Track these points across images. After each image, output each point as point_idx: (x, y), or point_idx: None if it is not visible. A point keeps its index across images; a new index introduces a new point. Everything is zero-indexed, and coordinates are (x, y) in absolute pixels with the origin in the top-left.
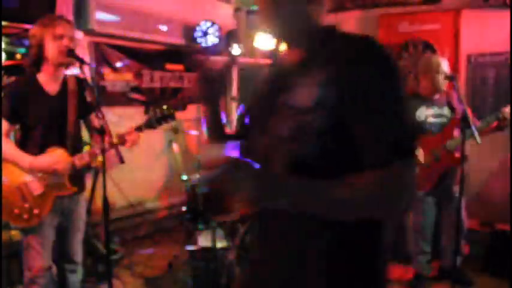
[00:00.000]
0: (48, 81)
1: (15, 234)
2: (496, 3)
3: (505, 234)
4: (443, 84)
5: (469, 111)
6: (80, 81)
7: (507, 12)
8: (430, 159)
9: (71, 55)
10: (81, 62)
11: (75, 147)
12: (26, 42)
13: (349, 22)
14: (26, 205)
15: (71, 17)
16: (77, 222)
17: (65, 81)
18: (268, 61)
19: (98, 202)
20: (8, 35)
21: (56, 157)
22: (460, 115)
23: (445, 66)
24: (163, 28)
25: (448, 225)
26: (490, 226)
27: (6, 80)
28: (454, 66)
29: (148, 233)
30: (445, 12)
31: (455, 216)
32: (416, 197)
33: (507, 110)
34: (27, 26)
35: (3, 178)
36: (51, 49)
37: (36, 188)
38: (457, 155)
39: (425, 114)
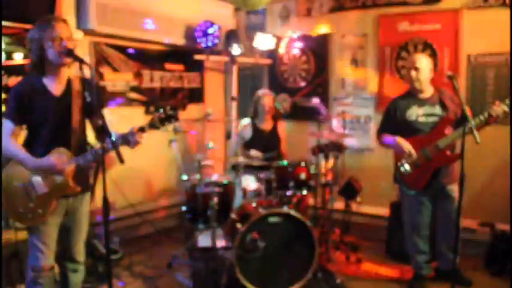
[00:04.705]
0: (52, 82)
1: (15, 234)
2: (496, 3)
3: (505, 234)
4: (422, 81)
5: (468, 111)
6: (85, 82)
7: (507, 12)
8: (422, 158)
9: (70, 55)
10: (81, 62)
11: (79, 147)
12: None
13: (349, 22)
14: (31, 204)
15: (71, 17)
16: (80, 222)
17: (69, 82)
18: (268, 61)
19: (98, 202)
20: (8, 35)
21: (59, 157)
22: (452, 114)
23: (422, 63)
24: (163, 28)
25: (443, 226)
26: (490, 226)
27: (6, 80)
28: (454, 66)
29: (148, 233)
30: (445, 12)
31: (452, 216)
32: (411, 196)
33: (495, 108)
34: (27, 26)
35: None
36: (50, 51)
37: (41, 187)
38: (449, 153)
39: (417, 113)
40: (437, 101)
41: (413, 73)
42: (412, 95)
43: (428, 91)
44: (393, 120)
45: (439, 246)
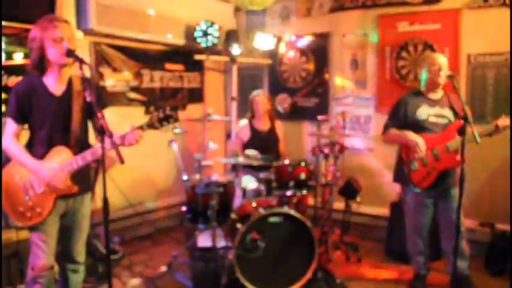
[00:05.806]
0: (53, 82)
1: (16, 234)
2: (496, 3)
3: (505, 234)
4: (440, 79)
5: (468, 111)
6: (86, 81)
7: (507, 12)
8: (430, 157)
9: (70, 55)
10: (81, 62)
11: (79, 147)
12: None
13: (349, 22)
14: (29, 203)
15: (71, 17)
16: (80, 222)
17: (70, 82)
18: (268, 61)
19: (98, 202)
20: (8, 35)
21: (56, 172)
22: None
23: (440, 60)
24: (163, 28)
25: (446, 228)
26: (490, 226)
27: (6, 80)
28: (454, 66)
29: (148, 233)
30: (445, 12)
31: (452, 218)
32: (415, 195)
33: (501, 121)
34: (27, 26)
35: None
36: (51, 52)
37: (39, 186)
38: (458, 157)
39: (427, 113)
40: (448, 104)
41: (441, 73)
42: (422, 94)
43: (439, 92)
44: (402, 118)
45: (445, 251)
